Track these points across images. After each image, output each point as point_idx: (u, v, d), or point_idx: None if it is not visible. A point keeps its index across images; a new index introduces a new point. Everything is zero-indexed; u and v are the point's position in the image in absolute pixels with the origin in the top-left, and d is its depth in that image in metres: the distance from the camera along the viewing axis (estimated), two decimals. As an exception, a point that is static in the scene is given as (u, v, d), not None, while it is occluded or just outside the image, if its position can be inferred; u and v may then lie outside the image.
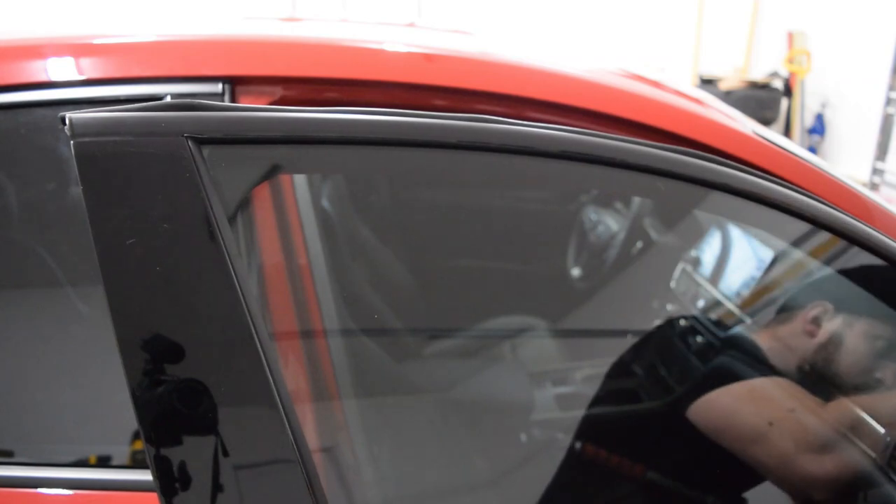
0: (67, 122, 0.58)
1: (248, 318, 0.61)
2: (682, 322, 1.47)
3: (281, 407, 0.63)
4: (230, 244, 0.61)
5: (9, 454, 0.93)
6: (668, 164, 0.72)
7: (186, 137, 0.59)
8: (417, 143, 0.66)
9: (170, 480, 0.62)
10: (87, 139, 0.57)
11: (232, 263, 0.61)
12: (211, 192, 0.60)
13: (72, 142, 0.57)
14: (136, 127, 0.58)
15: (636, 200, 1.89)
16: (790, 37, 5.54)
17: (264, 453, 0.64)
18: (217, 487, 0.63)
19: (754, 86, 5.53)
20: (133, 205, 0.58)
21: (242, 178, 0.67)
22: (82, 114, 0.58)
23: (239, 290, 0.61)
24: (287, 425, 0.63)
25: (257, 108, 0.64)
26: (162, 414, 0.61)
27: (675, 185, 0.74)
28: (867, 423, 0.95)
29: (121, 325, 0.60)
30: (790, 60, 5.46)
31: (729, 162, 0.77)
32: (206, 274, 0.60)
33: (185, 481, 0.62)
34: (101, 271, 0.59)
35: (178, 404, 0.61)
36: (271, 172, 0.73)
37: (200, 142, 0.60)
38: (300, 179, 1.17)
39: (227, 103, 0.65)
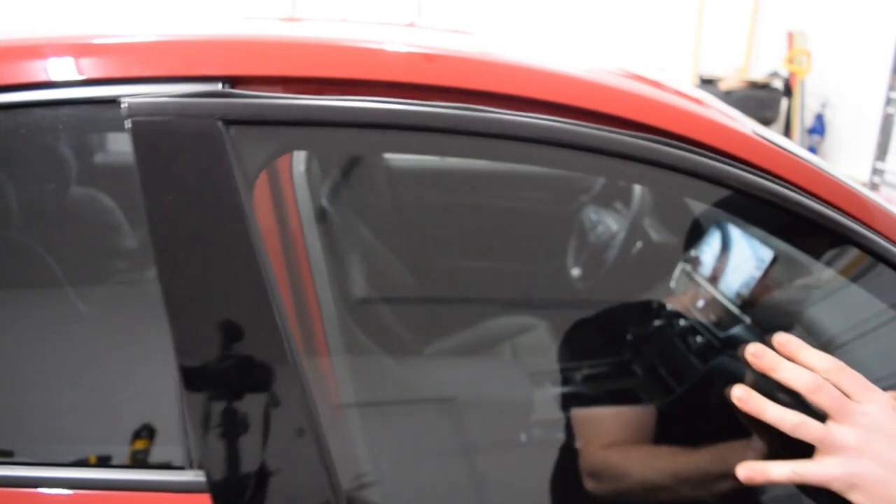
0: (125, 104, 0.73)
1: (265, 274, 0.75)
2: (682, 322, 1.47)
3: (298, 373, 0.77)
4: (249, 206, 0.76)
5: (9, 454, 0.93)
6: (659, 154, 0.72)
7: (217, 119, 0.74)
8: (408, 127, 0.80)
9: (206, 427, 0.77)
10: (140, 118, 0.73)
11: (251, 222, 0.75)
12: (236, 164, 0.74)
13: (127, 121, 0.72)
14: (178, 110, 0.74)
15: (636, 200, 1.89)
16: (790, 37, 5.54)
17: (281, 418, 0.77)
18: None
19: (754, 86, 5.53)
20: (174, 171, 0.74)
21: (262, 153, 0.79)
22: (137, 98, 0.73)
23: (257, 243, 0.75)
24: (304, 395, 0.78)
25: (276, 96, 0.77)
26: (202, 372, 0.76)
27: (672, 179, 0.76)
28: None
29: (163, 268, 0.75)
30: (790, 60, 5.47)
31: (710, 154, 0.79)
32: (230, 231, 0.75)
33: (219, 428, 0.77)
34: (147, 225, 0.74)
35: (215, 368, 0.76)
36: (285, 148, 0.90)
37: (228, 123, 0.74)
38: (300, 179, 1.17)
39: (252, 92, 0.78)
